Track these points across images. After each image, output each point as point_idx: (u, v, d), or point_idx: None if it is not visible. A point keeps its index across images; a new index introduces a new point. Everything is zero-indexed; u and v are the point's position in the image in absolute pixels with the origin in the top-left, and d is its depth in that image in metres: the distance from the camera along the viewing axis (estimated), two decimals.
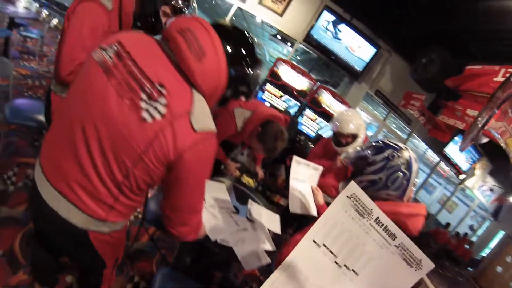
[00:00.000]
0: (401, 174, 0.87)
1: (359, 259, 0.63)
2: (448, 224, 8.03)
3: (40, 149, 0.86)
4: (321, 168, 1.20)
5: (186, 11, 1.36)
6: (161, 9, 1.32)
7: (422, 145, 7.18)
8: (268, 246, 1.40)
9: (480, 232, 8.30)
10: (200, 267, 1.53)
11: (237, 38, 0.84)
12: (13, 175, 1.98)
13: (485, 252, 7.88)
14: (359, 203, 0.63)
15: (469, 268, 7.52)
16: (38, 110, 1.95)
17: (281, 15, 4.84)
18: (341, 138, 1.94)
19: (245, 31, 0.87)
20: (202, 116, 0.75)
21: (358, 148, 1.00)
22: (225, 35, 0.78)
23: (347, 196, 0.64)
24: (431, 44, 4.35)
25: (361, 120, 1.95)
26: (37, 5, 5.61)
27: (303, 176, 1.17)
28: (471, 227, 8.52)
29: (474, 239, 8.12)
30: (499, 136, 2.86)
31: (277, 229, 1.60)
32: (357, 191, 0.63)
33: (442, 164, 6.62)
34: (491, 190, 6.94)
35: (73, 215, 0.79)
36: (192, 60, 0.73)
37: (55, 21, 5.78)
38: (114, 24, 1.26)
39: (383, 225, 0.62)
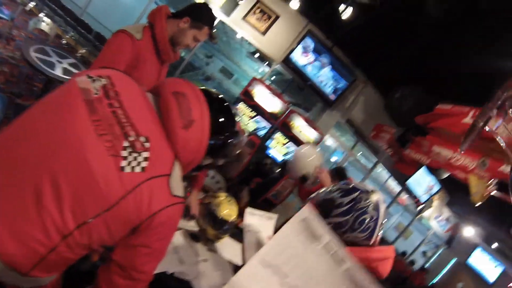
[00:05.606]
0: (368, 216, 0.86)
1: (308, 283, 0.62)
2: (404, 253, 8.35)
3: None
4: (275, 216, 1.19)
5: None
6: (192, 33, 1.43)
7: (384, 174, 7.55)
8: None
9: (433, 259, 8.71)
10: None
11: (222, 109, 0.83)
12: None
13: (437, 279, 8.25)
14: (310, 228, 0.63)
15: None
16: None
17: (263, 33, 4.94)
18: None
19: (228, 102, 0.87)
20: (178, 182, 0.72)
21: (327, 190, 0.98)
22: (211, 104, 0.77)
23: (299, 220, 0.64)
24: (407, 80, 4.61)
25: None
26: None
27: (258, 227, 1.14)
28: (423, 253, 8.95)
29: (427, 265, 8.50)
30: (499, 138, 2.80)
31: (238, 260, 1.54)
32: (310, 216, 0.63)
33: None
34: (447, 220, 7.37)
35: None
36: (179, 126, 0.71)
37: (31, 4, 5.46)
38: (145, 51, 1.38)
39: (332, 250, 0.62)
